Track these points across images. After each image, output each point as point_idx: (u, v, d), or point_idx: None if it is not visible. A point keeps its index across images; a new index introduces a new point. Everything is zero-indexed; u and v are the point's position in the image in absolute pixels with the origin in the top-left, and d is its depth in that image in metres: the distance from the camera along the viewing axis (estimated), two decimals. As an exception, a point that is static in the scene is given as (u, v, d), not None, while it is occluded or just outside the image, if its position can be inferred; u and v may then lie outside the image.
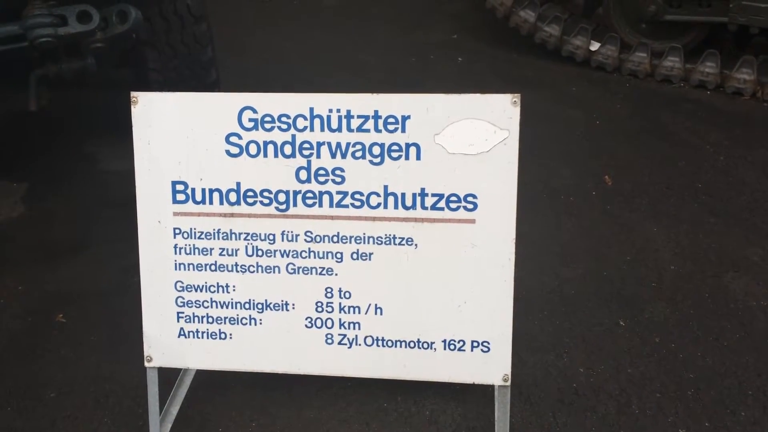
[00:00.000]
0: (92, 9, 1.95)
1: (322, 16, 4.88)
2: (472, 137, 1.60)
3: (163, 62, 2.93)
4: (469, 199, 1.61)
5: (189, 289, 1.67)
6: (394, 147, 1.62)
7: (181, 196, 1.65)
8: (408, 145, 1.62)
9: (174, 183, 1.65)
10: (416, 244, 1.63)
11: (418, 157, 1.62)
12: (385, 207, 1.63)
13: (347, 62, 4.16)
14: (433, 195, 1.62)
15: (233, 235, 1.65)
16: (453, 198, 1.61)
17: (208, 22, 3.07)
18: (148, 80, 2.95)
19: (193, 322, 1.69)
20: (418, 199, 1.63)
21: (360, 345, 1.69)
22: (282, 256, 1.65)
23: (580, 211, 2.79)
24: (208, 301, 1.67)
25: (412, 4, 5.07)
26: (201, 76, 3.07)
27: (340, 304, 1.66)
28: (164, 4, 2.70)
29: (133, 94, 1.65)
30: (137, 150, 1.66)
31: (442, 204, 1.62)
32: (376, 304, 1.66)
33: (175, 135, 1.65)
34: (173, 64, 2.96)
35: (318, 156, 1.64)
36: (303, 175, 1.64)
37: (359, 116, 1.63)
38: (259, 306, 1.67)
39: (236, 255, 1.65)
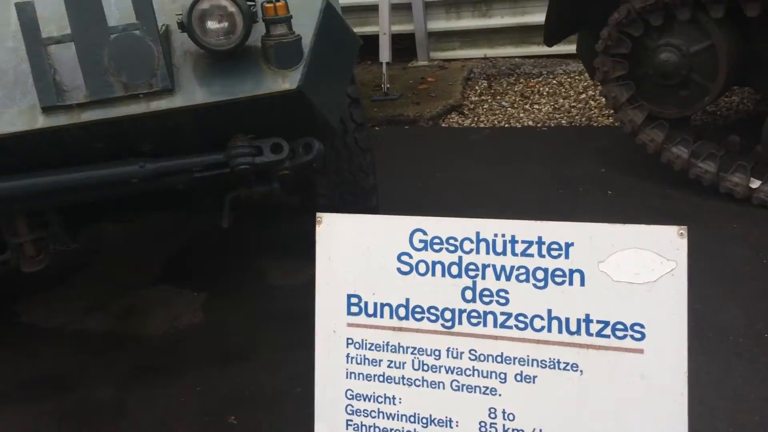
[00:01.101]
0: (283, 141, 2.23)
1: (470, 150, 5.12)
2: (638, 266, 1.62)
3: (330, 188, 3.20)
4: (636, 328, 1.61)
5: (358, 398, 1.76)
6: (558, 272, 1.67)
7: (355, 309, 1.78)
8: (572, 271, 1.67)
9: (349, 296, 1.78)
10: (581, 371, 1.63)
11: (582, 283, 1.66)
12: (549, 330, 1.66)
13: (495, 193, 4.30)
14: (598, 322, 1.64)
15: (401, 349, 1.74)
16: (619, 326, 1.62)
17: (372, 153, 3.34)
18: (315, 204, 3.22)
19: (361, 430, 1.76)
20: (583, 324, 1.64)
21: (522, 469, 1.67)
22: (447, 372, 1.71)
23: (752, 354, 2.63)
24: (375, 411, 1.75)
25: (557, 139, 5.20)
26: (363, 201, 3.30)
27: (504, 425, 1.67)
28: (337, 138, 3.00)
29: (318, 214, 1.84)
30: (319, 264, 1.82)
31: (607, 331, 1.63)
32: (540, 429, 1.65)
33: (353, 252, 1.81)
34: (339, 190, 3.22)
35: (483, 277, 1.72)
36: (468, 294, 1.72)
37: (523, 241, 1.71)
38: (424, 420, 1.72)
39: (403, 368, 1.73)
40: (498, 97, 6.05)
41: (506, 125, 5.47)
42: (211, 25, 2.03)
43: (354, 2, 6.86)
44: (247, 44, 2.09)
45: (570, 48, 5.55)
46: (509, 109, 5.77)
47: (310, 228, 3.41)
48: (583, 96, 5.79)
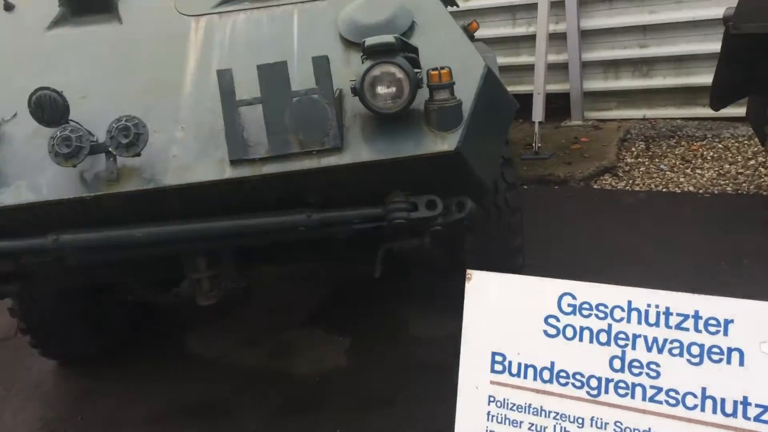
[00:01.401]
0: (438, 199, 2.33)
1: (624, 214, 4.97)
2: (806, 350, 1.54)
3: (477, 246, 3.26)
4: (801, 416, 1.52)
5: (498, 457, 1.78)
6: (715, 349, 1.62)
7: (498, 367, 1.81)
8: (730, 350, 1.61)
9: (494, 353, 1.83)
10: (736, 455, 1.56)
11: (741, 363, 1.59)
12: (702, 410, 1.60)
13: (648, 261, 4.15)
14: (757, 405, 1.56)
15: (543, 413, 1.75)
16: (781, 412, 1.53)
17: (521, 213, 3.37)
18: (462, 261, 3.29)
19: (498, 489, 1.78)
20: (740, 407, 1.57)
21: None
22: (590, 441, 1.70)
23: None
24: (514, 472, 1.76)
25: (721, 207, 4.93)
26: (509, 259, 3.32)
27: (648, 504, 1.63)
28: (488, 196, 3.07)
29: (468, 271, 1.91)
30: (466, 319, 1.89)
31: (767, 417, 1.54)
32: None
33: (500, 310, 1.85)
34: (486, 248, 3.27)
35: (633, 347, 1.70)
36: (617, 363, 1.70)
37: (678, 314, 1.67)
38: (563, 487, 1.71)
39: (545, 432, 1.74)
40: (656, 160, 5.86)
41: (664, 189, 5.27)
42: (381, 90, 2.19)
43: (510, 62, 6.98)
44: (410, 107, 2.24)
45: (739, 111, 5.28)
46: (668, 172, 5.56)
47: (456, 282, 3.49)
48: (752, 162, 5.47)
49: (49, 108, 2.27)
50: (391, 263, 2.85)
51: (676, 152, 5.97)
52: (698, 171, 5.52)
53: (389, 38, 2.17)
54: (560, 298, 1.79)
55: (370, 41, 2.17)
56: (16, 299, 3.30)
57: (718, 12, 6.13)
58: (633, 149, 6.15)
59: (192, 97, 2.47)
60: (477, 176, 2.35)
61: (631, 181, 5.50)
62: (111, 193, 2.28)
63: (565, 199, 5.36)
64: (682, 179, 5.40)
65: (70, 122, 2.29)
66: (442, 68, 2.20)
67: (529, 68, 6.69)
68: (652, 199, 5.16)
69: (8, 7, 2.88)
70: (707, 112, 6.38)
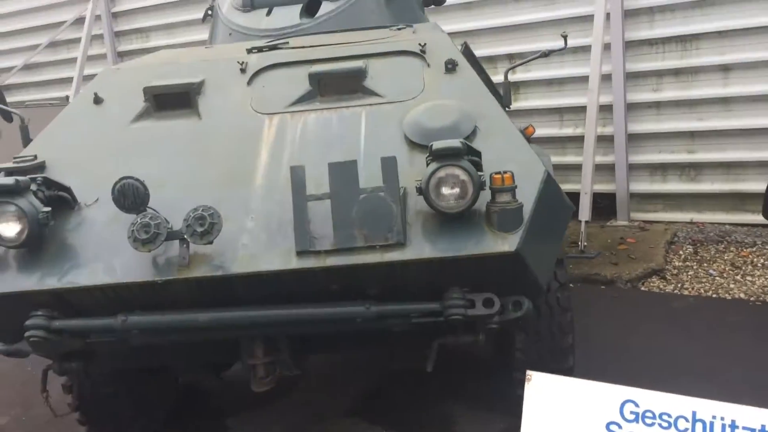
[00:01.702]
0: (495, 297, 2.38)
1: (673, 318, 4.90)
2: None
3: (528, 344, 3.25)
4: None
5: None
6: (784, 467, 1.59)
7: (559, 473, 1.80)
8: (800, 469, 1.58)
9: (554, 459, 1.82)
10: None
11: (813, 484, 1.56)
12: None
13: (700, 369, 4.05)
14: None
15: None
16: None
17: (572, 313, 3.37)
18: (512, 359, 3.28)
19: None
20: None
21: None
22: None
23: None
24: None
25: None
26: (559, 360, 3.30)
27: None
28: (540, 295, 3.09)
29: (528, 372, 1.93)
30: (525, 419, 1.89)
31: None
32: None
33: (560, 414, 1.86)
34: (536, 347, 3.26)
35: (698, 460, 1.68)
36: (681, 476, 1.68)
37: (745, 428, 1.66)
38: None
39: None
40: (705, 265, 5.80)
41: (714, 295, 5.20)
42: (445, 191, 2.30)
43: (556, 161, 7.11)
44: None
45: (789, 220, 5.27)
46: (718, 278, 5.50)
47: (503, 381, 3.46)
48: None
49: (131, 196, 2.43)
50: (439, 357, 2.87)
51: (725, 258, 5.92)
52: (749, 278, 5.45)
53: (456, 143, 2.29)
54: (622, 404, 1.80)
55: (437, 145, 2.29)
56: (72, 376, 3.38)
57: (765, 122, 6.25)
58: (681, 252, 6.11)
59: (262, 190, 2.60)
60: (534, 277, 2.40)
61: (679, 285, 5.45)
62: (181, 278, 2.39)
63: (613, 300, 5.31)
64: (732, 285, 5.33)
65: (148, 209, 2.43)
66: (505, 172, 2.30)
67: (576, 168, 6.80)
68: (701, 305, 5.08)
69: (97, 101, 3.11)
70: (757, 218, 6.39)
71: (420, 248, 2.32)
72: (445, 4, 5.14)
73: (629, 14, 6.78)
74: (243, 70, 3.12)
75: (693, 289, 5.36)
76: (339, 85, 2.95)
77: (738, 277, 5.47)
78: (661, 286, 5.49)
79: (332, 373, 4.33)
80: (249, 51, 3.27)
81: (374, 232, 2.32)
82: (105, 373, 3.28)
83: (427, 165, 2.40)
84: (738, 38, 6.34)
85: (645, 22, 6.78)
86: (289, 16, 3.92)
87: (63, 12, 10.72)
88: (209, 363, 3.36)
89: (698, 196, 6.78)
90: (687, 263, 5.89)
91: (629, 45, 6.83)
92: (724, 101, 6.52)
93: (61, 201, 2.60)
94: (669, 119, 6.78)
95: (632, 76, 6.83)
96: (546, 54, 3.06)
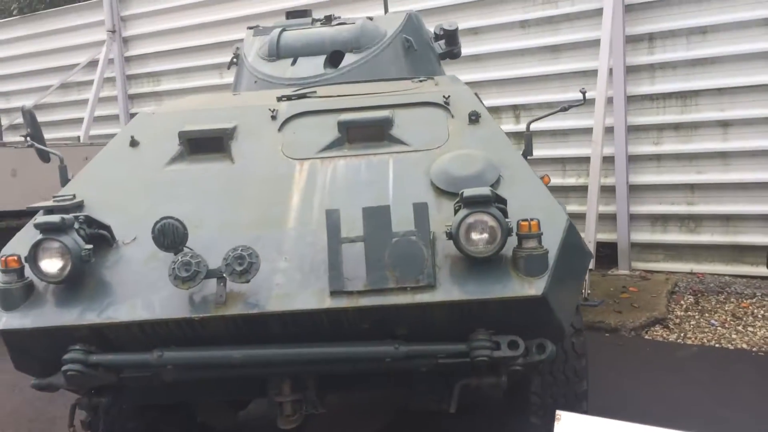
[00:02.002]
0: (520, 339, 2.48)
1: (678, 368, 4.97)
2: None
3: (543, 388, 3.32)
4: None
5: None
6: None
7: None
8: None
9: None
10: None
11: None
12: None
13: (713, 417, 4.10)
14: None
15: None
16: None
17: (587, 358, 3.45)
18: (527, 402, 3.34)
19: None
20: None
21: None
22: None
23: None
24: None
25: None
26: (573, 404, 3.36)
27: None
28: None
29: (558, 412, 2.01)
30: (556, 460, 1.97)
31: None
32: None
33: (590, 453, 1.93)
34: (551, 391, 3.33)
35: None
36: None
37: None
38: None
39: None
40: (706, 315, 5.91)
41: (717, 345, 5.29)
42: (475, 236, 2.41)
43: (560, 210, 7.26)
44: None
45: (789, 272, 5.41)
46: (719, 328, 5.60)
47: (519, 424, 3.51)
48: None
49: (170, 235, 2.53)
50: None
51: (726, 308, 6.02)
52: (750, 329, 5.55)
53: (485, 190, 2.41)
54: (649, 444, 1.87)
55: (467, 192, 2.42)
56: (92, 412, 3.41)
57: (763, 176, 6.43)
58: (682, 302, 6.22)
59: (295, 232, 2.71)
60: (558, 320, 2.50)
61: (682, 334, 5.54)
62: (218, 315, 2.48)
63: (618, 347, 5.38)
64: (734, 336, 5.42)
65: (186, 248, 2.54)
66: (531, 219, 2.42)
67: (579, 217, 6.94)
68: (705, 354, 5.16)
69: (134, 143, 3.24)
70: (756, 270, 6.53)
71: (449, 290, 2.43)
72: (455, 55, 5.35)
73: (631, 70, 7.04)
74: (274, 117, 3.26)
75: (696, 338, 5.45)
76: (366, 133, 3.09)
77: (740, 328, 5.57)
78: (665, 335, 5.58)
79: (348, 412, 4.36)
80: (279, 99, 3.42)
81: (406, 274, 2.43)
82: (129, 409, 3.33)
83: (456, 211, 2.52)
84: (737, 95, 6.58)
85: (646, 78, 7.03)
86: (313, 66, 4.09)
87: (76, 55, 10.98)
88: (229, 401, 3.41)
89: (698, 247, 6.92)
90: (689, 313, 5.99)
91: (631, 99, 7.06)
92: (723, 155, 6.72)
93: (100, 239, 2.70)
94: (669, 171, 6.97)
95: (634, 129, 7.05)
96: (566, 108, 3.23)
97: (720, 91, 6.68)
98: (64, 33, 11.10)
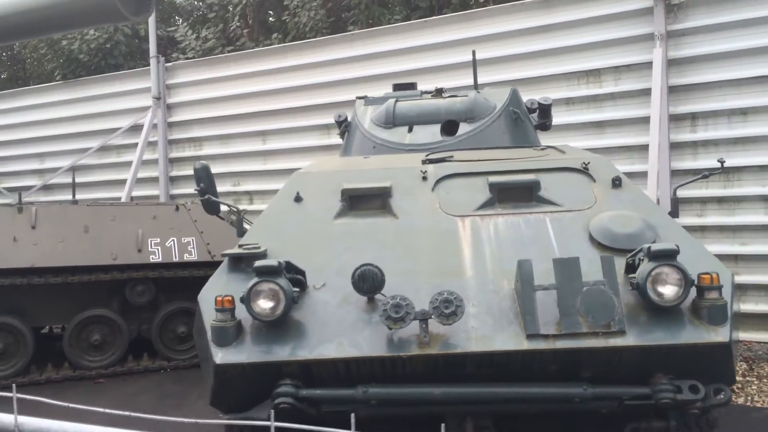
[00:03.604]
0: (700, 384, 2.68)
1: (759, 428, 5.14)
2: None
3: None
4: None
5: None
6: None
7: None
8: None
9: None
10: None
11: None
12: None
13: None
14: None
15: None
16: None
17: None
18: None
19: None
20: None
21: None
22: None
23: None
24: None
25: None
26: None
27: None
28: None
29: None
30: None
31: None
32: None
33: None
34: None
35: None
36: None
37: None
38: None
39: None
40: (765, 380, 6.12)
41: (785, 409, 5.49)
42: (660, 287, 2.66)
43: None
44: (678, 304, 2.70)
45: None
46: (787, 392, 5.81)
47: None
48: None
49: (370, 280, 2.76)
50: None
51: (787, 373, 6.25)
52: (812, 393, 5.76)
53: (672, 245, 2.68)
54: None
55: (655, 247, 2.68)
56: None
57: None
58: (737, 368, 6.43)
59: (475, 280, 2.94)
60: (733, 367, 2.73)
61: (749, 398, 5.73)
62: (423, 354, 2.67)
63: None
64: (799, 399, 5.63)
65: (381, 294, 2.76)
66: (713, 273, 2.68)
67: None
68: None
69: (298, 199, 3.49)
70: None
71: (639, 336, 2.65)
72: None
73: (675, 146, 7.47)
74: (425, 178, 3.54)
75: (763, 401, 5.64)
76: (516, 194, 3.37)
77: (800, 392, 5.78)
78: (733, 399, 5.76)
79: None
80: (424, 162, 3.70)
81: (597, 320, 2.65)
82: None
83: (630, 265, 2.78)
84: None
85: (689, 154, 7.47)
86: (430, 134, 4.40)
87: (115, 120, 11.29)
88: None
89: (744, 317, 7.18)
90: (747, 378, 6.20)
91: (675, 173, 7.47)
92: (766, 228, 7.09)
93: (297, 283, 2.91)
94: (713, 242, 7.30)
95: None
96: (707, 176, 3.56)
97: (762, 168, 7.11)
98: (107, 98, 11.44)
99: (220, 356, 2.72)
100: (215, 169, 10.42)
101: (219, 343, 2.75)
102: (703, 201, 7.38)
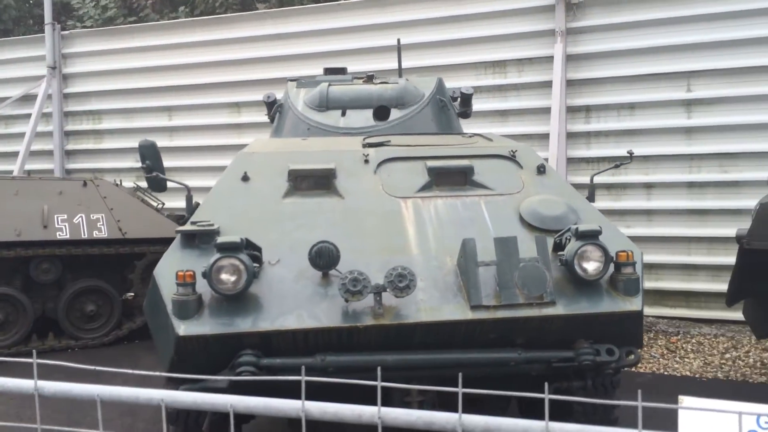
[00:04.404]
0: (615, 347, 3.07)
1: (644, 391, 5.76)
2: None
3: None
4: None
5: None
6: None
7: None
8: None
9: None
10: None
11: None
12: None
13: None
14: None
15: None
16: None
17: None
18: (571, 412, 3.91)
19: None
20: None
21: None
22: None
23: None
24: None
25: (725, 390, 5.81)
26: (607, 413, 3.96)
27: None
28: None
29: (680, 396, 2.62)
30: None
31: None
32: None
33: (711, 427, 2.55)
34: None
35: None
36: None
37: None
38: None
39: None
40: (645, 349, 6.83)
41: (665, 373, 6.18)
42: (585, 263, 3.02)
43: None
44: (599, 279, 3.08)
45: (701, 313, 6.56)
46: (660, 359, 6.51)
47: None
48: (728, 356, 6.52)
49: (326, 257, 2.95)
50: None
51: (659, 343, 6.98)
52: (686, 359, 6.50)
53: (596, 226, 3.04)
54: (758, 418, 2.51)
55: (582, 227, 3.03)
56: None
57: (682, 231, 7.56)
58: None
59: (420, 257, 3.19)
60: (641, 332, 3.14)
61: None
62: (379, 324, 2.90)
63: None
64: (676, 365, 6.35)
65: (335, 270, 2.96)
66: (629, 251, 3.07)
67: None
68: (659, 380, 6.02)
69: (245, 179, 3.59)
70: (675, 312, 7.63)
71: (567, 306, 3.01)
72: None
73: (570, 136, 8.07)
74: (366, 161, 3.74)
75: (646, 368, 6.32)
76: (451, 178, 3.65)
77: (677, 359, 6.51)
78: (620, 366, 6.40)
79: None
80: (364, 146, 3.89)
81: (532, 292, 2.98)
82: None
83: (557, 243, 3.13)
84: (659, 162, 7.75)
85: (583, 144, 8.09)
86: (363, 118, 4.59)
87: (7, 88, 10.66)
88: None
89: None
90: (630, 348, 6.88)
91: (570, 161, 8.07)
92: (648, 213, 7.85)
93: (254, 259, 3.04)
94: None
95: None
96: (618, 165, 3.98)
97: (645, 158, 7.84)
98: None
99: (183, 328, 2.82)
100: (116, 144, 10.22)
101: (180, 316, 2.84)
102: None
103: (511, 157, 3.84)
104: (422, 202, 3.51)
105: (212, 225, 3.19)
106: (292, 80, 5.06)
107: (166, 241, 6.96)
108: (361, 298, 2.86)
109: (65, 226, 6.72)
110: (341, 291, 2.86)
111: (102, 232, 6.83)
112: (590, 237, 3.03)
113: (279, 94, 5.29)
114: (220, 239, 2.89)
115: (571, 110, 8.13)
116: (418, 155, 3.79)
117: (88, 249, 6.77)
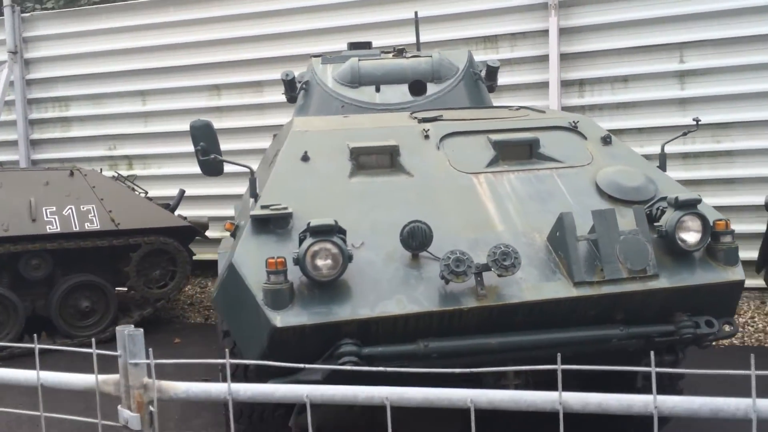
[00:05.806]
0: (714, 319, 2.98)
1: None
2: None
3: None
4: None
5: None
6: None
7: None
8: None
9: None
10: None
11: None
12: None
13: None
14: None
15: None
16: None
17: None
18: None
19: None
20: None
21: None
22: None
23: None
24: None
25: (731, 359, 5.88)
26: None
27: None
28: None
29: None
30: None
31: None
32: None
33: None
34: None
35: None
36: None
37: None
38: None
39: None
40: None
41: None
42: (684, 234, 2.92)
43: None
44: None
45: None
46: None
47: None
48: (742, 320, 6.62)
49: (419, 237, 2.77)
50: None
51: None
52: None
53: (696, 195, 2.94)
54: None
55: (683, 196, 2.93)
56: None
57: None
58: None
59: (508, 234, 3.04)
60: (737, 303, 3.07)
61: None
62: (483, 306, 2.74)
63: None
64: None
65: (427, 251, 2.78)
66: (726, 219, 2.99)
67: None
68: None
69: (305, 159, 3.35)
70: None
71: (671, 278, 2.91)
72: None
73: (565, 110, 8.01)
74: (427, 137, 3.55)
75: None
76: (517, 151, 3.50)
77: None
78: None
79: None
80: (420, 121, 3.69)
81: (635, 266, 2.87)
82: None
83: (650, 214, 3.02)
84: (654, 134, 7.77)
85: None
86: (400, 93, 4.39)
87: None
88: None
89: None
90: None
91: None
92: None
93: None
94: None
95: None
96: (686, 133, 3.91)
97: (639, 131, 7.86)
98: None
99: (280, 319, 2.60)
100: (85, 131, 9.69)
101: (275, 306, 2.62)
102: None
103: (573, 128, 3.71)
104: (494, 177, 3.35)
105: (286, 208, 2.96)
106: (315, 56, 4.81)
107: (162, 232, 6.76)
108: (466, 279, 2.70)
109: (55, 219, 6.31)
110: (444, 272, 2.68)
111: (94, 224, 6.44)
112: (690, 206, 2.93)
113: (293, 72, 5.00)
114: (313, 222, 2.67)
115: (565, 84, 8.07)
116: (479, 129, 3.62)
117: (81, 242, 6.38)
